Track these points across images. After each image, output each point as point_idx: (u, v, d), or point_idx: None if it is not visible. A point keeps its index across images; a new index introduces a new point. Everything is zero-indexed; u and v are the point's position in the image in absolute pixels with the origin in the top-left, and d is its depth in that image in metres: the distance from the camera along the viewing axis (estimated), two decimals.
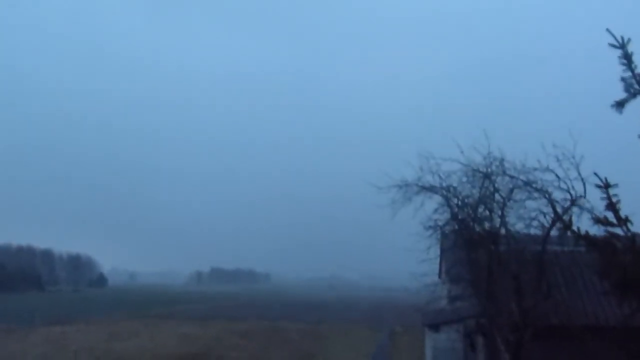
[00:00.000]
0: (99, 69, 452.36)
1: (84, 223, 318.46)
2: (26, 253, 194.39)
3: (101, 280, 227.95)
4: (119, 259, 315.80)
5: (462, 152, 22.56)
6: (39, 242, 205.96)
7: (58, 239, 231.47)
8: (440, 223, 23.81)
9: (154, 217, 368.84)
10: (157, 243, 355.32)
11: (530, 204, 22.27)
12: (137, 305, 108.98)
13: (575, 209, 20.47)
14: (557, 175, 20.92)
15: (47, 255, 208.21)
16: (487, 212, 23.22)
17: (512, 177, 22.39)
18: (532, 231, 22.07)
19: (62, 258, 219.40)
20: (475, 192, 23.21)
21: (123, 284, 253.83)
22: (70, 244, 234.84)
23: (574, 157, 20.19)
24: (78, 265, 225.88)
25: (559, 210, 20.84)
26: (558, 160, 20.60)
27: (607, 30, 8.38)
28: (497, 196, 22.95)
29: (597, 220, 8.55)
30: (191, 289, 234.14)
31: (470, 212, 23.49)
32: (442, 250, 26.06)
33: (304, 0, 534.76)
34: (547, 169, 21.14)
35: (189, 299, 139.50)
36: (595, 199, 9.31)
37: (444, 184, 23.42)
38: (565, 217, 19.25)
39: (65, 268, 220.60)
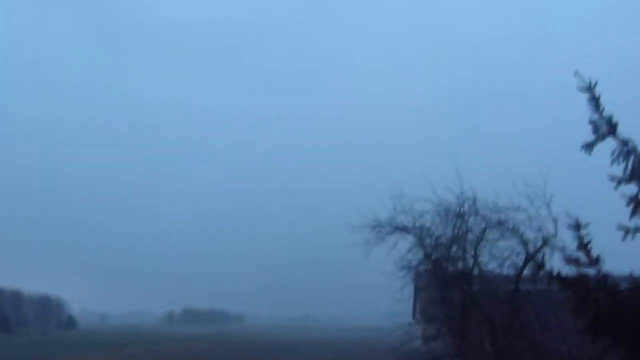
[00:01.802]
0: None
1: (54, 263, 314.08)
2: None
3: (71, 322, 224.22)
4: (89, 299, 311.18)
5: (434, 191, 22.74)
6: (8, 282, 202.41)
7: (27, 280, 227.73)
8: (413, 263, 23.86)
9: (125, 257, 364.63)
10: (129, 283, 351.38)
11: (502, 243, 22.45)
12: (107, 347, 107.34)
13: (547, 248, 20.65)
14: (528, 215, 21.15)
15: (15, 296, 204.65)
16: (460, 252, 23.32)
17: (484, 216, 22.57)
18: (505, 270, 22.20)
19: (32, 299, 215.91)
20: (448, 232, 23.34)
21: (94, 325, 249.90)
22: (39, 284, 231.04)
23: (545, 196, 20.44)
24: (47, 306, 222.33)
25: (531, 249, 21.01)
26: (529, 199, 20.84)
27: (576, 72, 8.59)
28: (470, 236, 23.08)
29: (569, 261, 8.69)
30: (163, 329, 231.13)
31: (444, 251, 23.58)
32: (416, 290, 26.06)
33: (269, 38, 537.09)
34: (519, 208, 21.36)
35: (161, 340, 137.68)
36: (567, 238, 9.45)
37: (417, 224, 23.52)
38: (538, 257, 19.41)
39: (34, 309, 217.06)
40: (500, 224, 22.23)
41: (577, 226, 8.69)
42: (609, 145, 8.52)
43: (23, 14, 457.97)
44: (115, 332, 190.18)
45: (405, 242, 23.79)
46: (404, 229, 23.63)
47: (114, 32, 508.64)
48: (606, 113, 8.50)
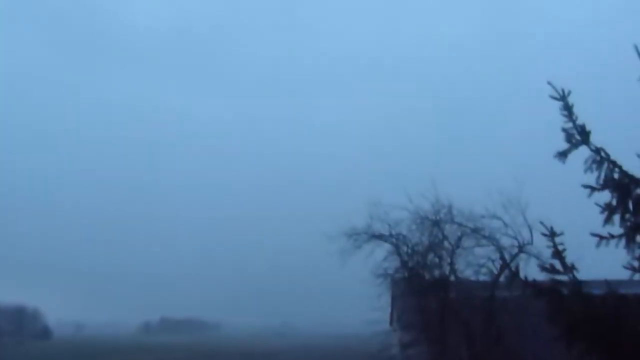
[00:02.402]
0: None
1: (29, 273, 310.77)
2: None
3: (46, 332, 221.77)
4: (65, 309, 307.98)
5: (410, 200, 22.82)
6: None
7: (1, 290, 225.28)
8: (390, 271, 23.93)
9: (101, 266, 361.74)
10: (105, 293, 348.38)
11: (478, 250, 22.62)
12: (85, 357, 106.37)
13: (522, 255, 20.80)
14: (504, 222, 21.31)
15: None
16: (437, 260, 23.44)
17: (460, 224, 22.71)
18: (481, 278, 22.32)
19: (6, 310, 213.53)
20: (425, 240, 23.46)
21: (69, 336, 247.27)
22: (14, 294, 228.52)
23: (519, 204, 20.61)
24: (22, 317, 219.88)
25: (506, 256, 21.14)
26: (504, 206, 21.00)
27: (549, 83, 8.66)
28: (446, 243, 23.22)
29: (544, 269, 8.74)
30: (140, 339, 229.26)
31: (420, 259, 23.68)
32: (393, 298, 26.11)
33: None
34: (495, 216, 21.52)
35: (137, 350, 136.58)
36: (542, 245, 9.51)
37: (394, 232, 23.61)
38: (513, 264, 19.54)
39: (8, 320, 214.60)
40: (476, 231, 22.38)
41: (551, 234, 8.75)
42: (582, 153, 8.61)
43: None
44: (91, 342, 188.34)
45: (381, 250, 23.92)
46: (380, 237, 23.70)
47: (81, 40, 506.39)
48: (579, 122, 8.58)
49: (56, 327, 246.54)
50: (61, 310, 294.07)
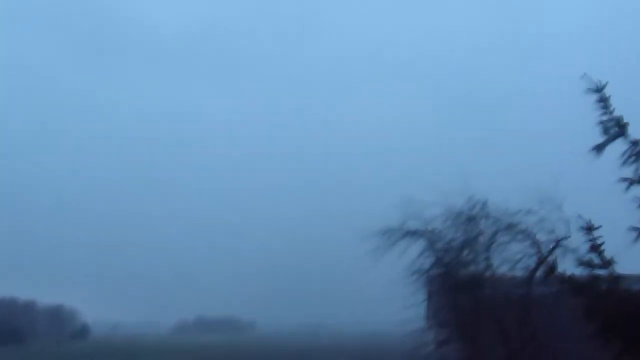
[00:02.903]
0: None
1: (66, 273, 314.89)
2: (8, 305, 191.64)
3: (84, 331, 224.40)
4: (101, 309, 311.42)
5: (444, 196, 22.66)
6: (21, 293, 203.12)
7: (40, 290, 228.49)
8: (424, 268, 23.78)
9: (137, 266, 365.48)
10: (140, 292, 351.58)
11: (514, 246, 22.34)
12: (123, 356, 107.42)
13: (559, 251, 20.53)
14: (539, 217, 21.05)
15: (29, 307, 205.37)
16: (472, 256, 23.23)
17: (495, 219, 22.48)
18: (517, 274, 22.06)
19: (45, 309, 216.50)
20: (459, 236, 23.26)
21: (106, 335, 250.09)
22: (52, 294, 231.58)
23: (555, 198, 20.34)
24: (60, 316, 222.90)
25: (543, 251, 20.89)
26: (540, 201, 20.75)
27: (584, 75, 8.52)
28: (481, 239, 23.00)
29: (582, 263, 8.60)
30: (175, 338, 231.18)
31: (455, 256, 23.50)
32: (428, 295, 25.95)
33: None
34: (530, 211, 21.27)
35: (172, 349, 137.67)
36: (579, 240, 9.36)
37: (428, 229, 23.45)
38: (550, 259, 19.32)
39: (47, 320, 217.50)
40: (511, 227, 22.14)
41: (589, 228, 8.61)
42: (619, 146, 8.45)
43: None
44: (128, 342, 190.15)
45: (415, 247, 23.76)
46: (414, 234, 23.57)
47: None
48: (615, 114, 8.43)
49: (93, 326, 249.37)
50: (98, 309, 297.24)
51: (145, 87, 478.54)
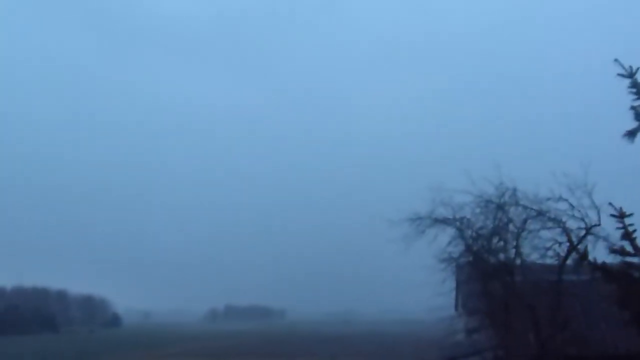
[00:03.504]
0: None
1: (97, 263, 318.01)
2: (40, 294, 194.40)
3: (116, 320, 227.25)
4: (132, 298, 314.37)
5: (473, 183, 22.55)
6: (53, 283, 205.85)
7: (72, 280, 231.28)
8: (454, 255, 23.71)
9: (167, 255, 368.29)
10: (171, 281, 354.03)
11: (544, 233, 22.18)
12: (152, 345, 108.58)
13: (590, 238, 20.36)
14: (570, 204, 20.86)
15: (61, 296, 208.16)
16: (502, 243, 23.11)
17: (525, 207, 22.34)
18: (548, 261, 21.91)
19: (76, 299, 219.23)
20: (489, 223, 23.14)
21: (138, 323, 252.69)
22: (83, 284, 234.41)
23: (586, 186, 20.17)
24: (92, 305, 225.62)
25: (573, 239, 20.72)
26: (570, 189, 20.58)
27: (616, 60, 8.41)
28: (511, 227, 22.86)
29: (613, 251, 8.53)
30: (206, 326, 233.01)
31: (485, 243, 23.39)
32: (458, 283, 25.90)
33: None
34: (560, 198, 21.08)
35: (204, 337, 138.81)
36: (610, 227, 9.27)
37: (457, 216, 23.37)
38: (581, 247, 19.18)
39: (79, 309, 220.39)
40: (541, 214, 21.98)
41: (621, 215, 8.53)
42: None
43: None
44: (160, 330, 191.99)
45: (445, 235, 23.68)
46: (444, 222, 23.49)
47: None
48: None
49: (125, 315, 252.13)
50: (129, 298, 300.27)
51: (163, 76, 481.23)
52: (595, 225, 20.32)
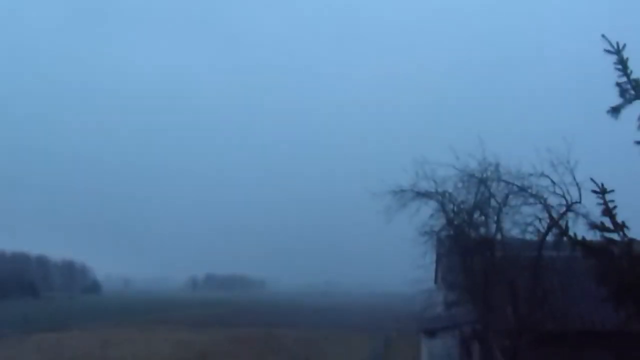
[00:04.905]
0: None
1: (78, 229, 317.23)
2: (20, 259, 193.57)
3: (95, 286, 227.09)
4: (113, 265, 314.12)
5: (457, 157, 22.57)
6: (33, 248, 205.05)
7: (52, 246, 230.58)
8: (435, 229, 23.78)
9: (148, 222, 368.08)
10: (152, 249, 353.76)
11: (525, 209, 22.30)
12: (132, 312, 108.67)
13: (570, 215, 20.48)
14: (552, 181, 20.96)
15: (41, 261, 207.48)
16: (483, 218, 23.21)
17: (507, 182, 22.41)
18: (528, 237, 22.04)
19: (56, 265, 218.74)
20: (471, 198, 23.21)
21: (117, 291, 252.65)
22: (64, 250, 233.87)
23: (568, 162, 20.25)
24: (72, 271, 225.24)
25: (554, 215, 20.84)
26: (553, 165, 20.65)
27: (603, 36, 8.37)
28: (492, 202, 22.95)
29: (594, 226, 8.53)
30: (186, 295, 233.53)
31: (466, 217, 23.48)
32: (438, 256, 26.02)
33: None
34: (542, 175, 21.17)
35: (184, 305, 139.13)
36: (591, 205, 9.29)
37: (439, 190, 23.41)
38: (561, 223, 19.26)
39: (59, 275, 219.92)
40: (523, 190, 22.07)
41: (602, 191, 8.53)
42: (636, 109, 8.32)
43: None
44: (139, 297, 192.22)
45: (427, 208, 23.73)
46: (426, 195, 23.53)
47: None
48: (634, 76, 8.30)
49: (105, 282, 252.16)
50: (110, 265, 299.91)
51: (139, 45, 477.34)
52: (575, 202, 20.46)
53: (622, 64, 8.35)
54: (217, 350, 52.68)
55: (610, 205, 8.48)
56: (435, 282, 29.35)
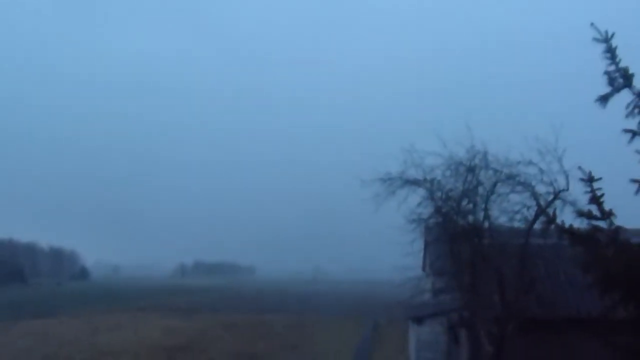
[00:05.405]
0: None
1: (66, 216, 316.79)
2: (8, 246, 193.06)
3: (83, 273, 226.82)
4: (102, 251, 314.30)
5: (445, 145, 22.59)
6: (22, 235, 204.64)
7: (41, 232, 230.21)
8: (423, 216, 23.79)
9: (137, 209, 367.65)
10: (141, 235, 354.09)
11: (513, 197, 22.35)
12: (121, 298, 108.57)
13: (558, 203, 20.57)
14: (540, 169, 21.02)
15: (29, 248, 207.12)
16: (471, 206, 23.25)
17: (495, 170, 22.44)
18: (516, 224, 22.12)
19: (45, 251, 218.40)
20: (459, 186, 23.22)
21: (106, 277, 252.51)
22: (52, 237, 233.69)
23: (556, 150, 20.31)
24: (61, 258, 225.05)
25: (542, 203, 20.92)
26: (541, 153, 20.71)
27: (592, 24, 8.40)
28: (480, 189, 22.98)
29: (581, 214, 8.59)
30: (175, 281, 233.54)
31: (454, 205, 23.51)
32: (426, 244, 26.06)
33: None
34: (530, 163, 21.24)
35: (173, 292, 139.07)
36: (578, 193, 9.34)
37: (428, 178, 23.42)
38: (549, 211, 19.35)
39: (47, 261, 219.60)
40: (511, 177, 22.12)
41: (590, 179, 8.58)
42: (624, 97, 8.36)
43: None
44: (128, 283, 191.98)
45: (415, 196, 23.74)
46: (414, 183, 23.54)
47: None
48: (622, 65, 8.33)
49: (94, 268, 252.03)
50: (99, 252, 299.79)
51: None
52: (563, 190, 20.54)
53: (611, 53, 8.38)
54: (207, 336, 52.74)
55: (598, 193, 8.54)
56: (423, 269, 29.42)
